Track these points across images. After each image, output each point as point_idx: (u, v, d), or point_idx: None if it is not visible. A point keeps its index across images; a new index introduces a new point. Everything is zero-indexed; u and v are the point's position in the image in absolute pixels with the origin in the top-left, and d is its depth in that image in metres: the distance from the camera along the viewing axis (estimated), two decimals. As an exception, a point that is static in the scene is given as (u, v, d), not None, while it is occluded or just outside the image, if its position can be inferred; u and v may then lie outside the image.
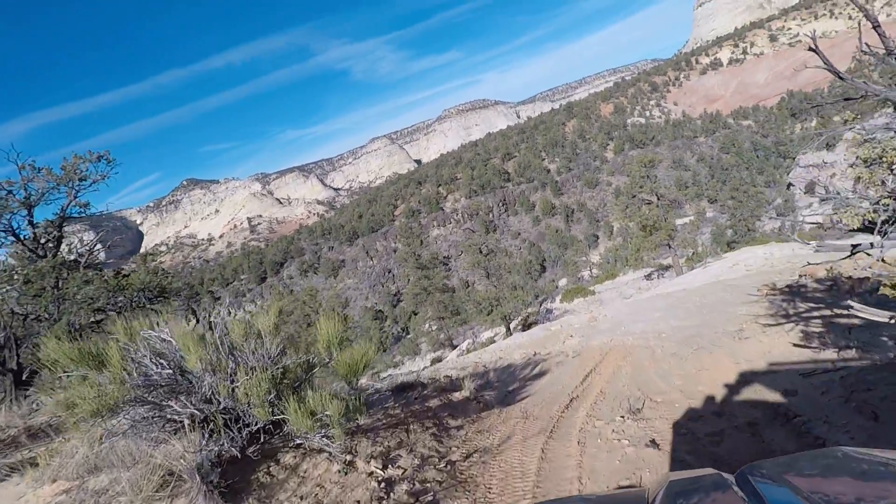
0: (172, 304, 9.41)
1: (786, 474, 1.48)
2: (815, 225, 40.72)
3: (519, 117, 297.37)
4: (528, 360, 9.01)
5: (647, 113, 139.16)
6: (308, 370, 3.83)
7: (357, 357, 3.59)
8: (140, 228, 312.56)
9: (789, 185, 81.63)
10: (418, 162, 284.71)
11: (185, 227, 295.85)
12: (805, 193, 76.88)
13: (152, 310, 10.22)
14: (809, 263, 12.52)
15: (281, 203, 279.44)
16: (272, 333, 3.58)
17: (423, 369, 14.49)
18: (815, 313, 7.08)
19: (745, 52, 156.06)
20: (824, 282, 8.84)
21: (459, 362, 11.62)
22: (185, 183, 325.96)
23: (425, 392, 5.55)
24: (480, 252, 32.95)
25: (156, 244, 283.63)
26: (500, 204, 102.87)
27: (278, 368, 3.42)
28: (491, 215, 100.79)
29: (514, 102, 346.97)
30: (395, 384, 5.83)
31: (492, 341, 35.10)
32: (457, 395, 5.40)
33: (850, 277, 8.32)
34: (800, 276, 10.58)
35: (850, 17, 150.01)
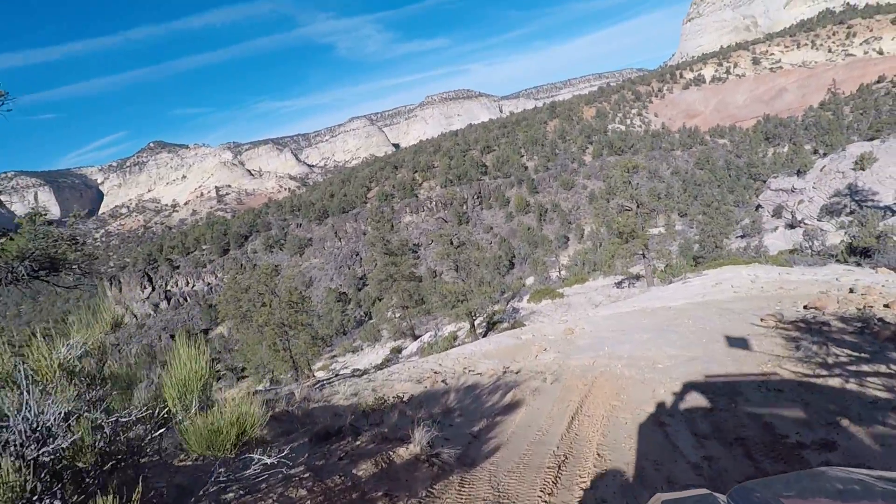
0: (65, 279, 7.60)
1: (780, 497, 1.45)
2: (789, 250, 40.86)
3: (501, 112, 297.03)
4: (496, 381, 7.64)
5: (629, 121, 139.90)
6: (160, 427, 2.30)
7: (226, 424, 2.09)
8: (101, 188, 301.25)
9: (758, 206, 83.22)
10: (396, 146, 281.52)
11: (149, 190, 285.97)
12: (773, 216, 78.30)
13: (46, 281, 8.38)
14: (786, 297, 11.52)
15: (252, 175, 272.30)
16: (77, 374, 2.02)
17: (375, 370, 13.03)
18: (866, 367, 5.74)
19: (728, 72, 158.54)
20: (850, 321, 7.66)
21: (417, 369, 10.18)
22: (151, 145, 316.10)
23: (357, 443, 4.01)
24: (451, 243, 31.60)
25: (116, 206, 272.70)
26: (476, 196, 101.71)
27: (58, 450, 1.89)
28: (465, 207, 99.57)
29: (498, 96, 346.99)
30: (315, 430, 4.19)
31: (454, 337, 33.89)
32: (402, 452, 3.89)
33: (881, 320, 7.16)
34: (805, 307, 9.53)
35: (829, 51, 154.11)
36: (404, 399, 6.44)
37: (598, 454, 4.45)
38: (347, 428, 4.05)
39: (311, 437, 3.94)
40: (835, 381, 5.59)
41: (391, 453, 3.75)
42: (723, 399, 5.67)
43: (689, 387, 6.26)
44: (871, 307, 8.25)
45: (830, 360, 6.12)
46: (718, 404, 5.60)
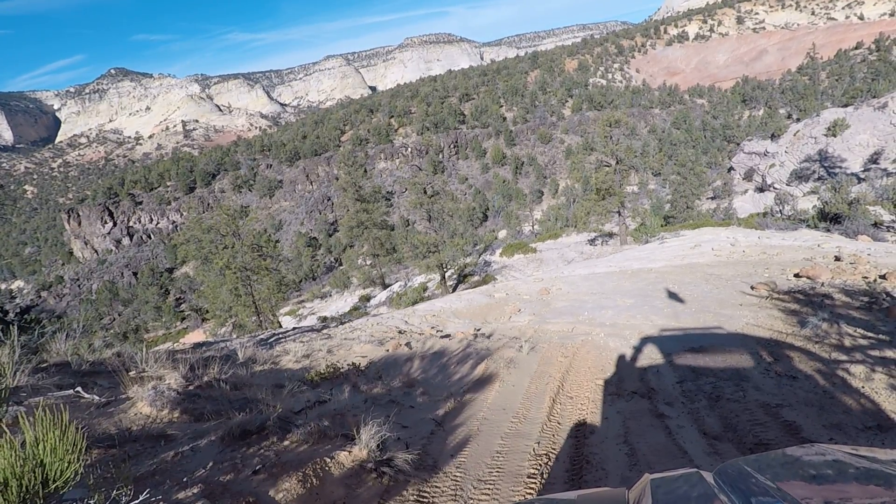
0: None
1: (764, 474, 1.46)
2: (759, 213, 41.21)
3: (482, 59, 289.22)
4: (466, 346, 6.91)
5: (610, 75, 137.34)
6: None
7: None
8: (57, 115, 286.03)
9: (730, 168, 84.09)
10: (373, 89, 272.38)
11: (111, 120, 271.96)
12: (744, 179, 79.28)
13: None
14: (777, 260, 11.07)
15: (221, 110, 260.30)
16: None
17: (337, 324, 12.22)
18: (890, 353, 5.16)
19: (711, 30, 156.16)
20: (854, 295, 7.06)
21: (380, 327, 9.40)
22: (112, 71, 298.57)
23: (286, 443, 3.09)
24: (425, 192, 30.51)
25: (75, 135, 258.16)
26: (452, 146, 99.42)
27: None
28: (441, 156, 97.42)
29: (480, 43, 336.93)
30: (230, 426, 3.15)
31: (424, 288, 33.46)
32: (343, 458, 2.97)
33: (890, 295, 6.60)
34: (796, 275, 9.00)
35: (812, 13, 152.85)
36: (361, 367, 5.65)
37: (588, 460, 3.73)
38: (273, 424, 3.12)
39: (224, 436, 3.02)
40: (858, 369, 4.91)
41: (328, 460, 2.84)
42: (728, 385, 5.04)
43: (684, 365, 5.60)
44: (868, 278, 7.77)
45: (847, 342, 5.49)
46: (724, 391, 4.93)
